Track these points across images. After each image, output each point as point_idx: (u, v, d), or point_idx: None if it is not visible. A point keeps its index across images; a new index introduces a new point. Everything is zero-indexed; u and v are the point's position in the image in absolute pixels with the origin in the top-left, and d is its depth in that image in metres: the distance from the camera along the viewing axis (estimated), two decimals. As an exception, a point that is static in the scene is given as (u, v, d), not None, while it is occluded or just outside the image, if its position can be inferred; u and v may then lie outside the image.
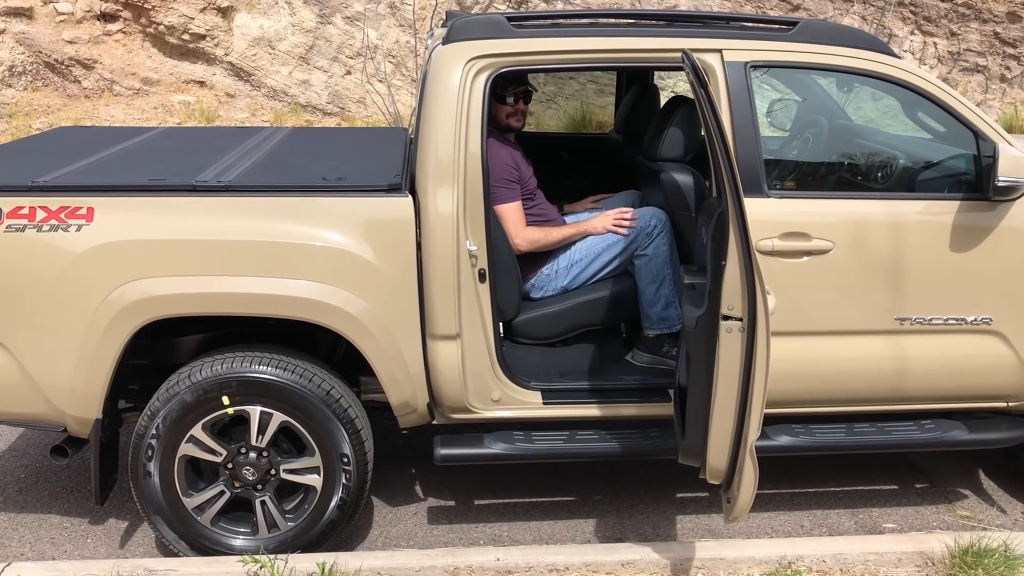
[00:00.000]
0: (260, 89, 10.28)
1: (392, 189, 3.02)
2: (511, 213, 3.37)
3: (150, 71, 10.20)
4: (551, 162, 4.39)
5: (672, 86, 9.05)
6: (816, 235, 3.11)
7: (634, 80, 4.51)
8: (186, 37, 10.08)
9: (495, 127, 3.48)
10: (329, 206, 2.98)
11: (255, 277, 2.91)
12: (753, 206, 2.77)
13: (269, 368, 3.00)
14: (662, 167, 3.43)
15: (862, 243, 3.14)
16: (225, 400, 3.00)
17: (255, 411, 3.03)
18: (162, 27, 10.02)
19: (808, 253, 3.11)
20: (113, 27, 10.21)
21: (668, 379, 3.33)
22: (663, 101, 4.16)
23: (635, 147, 4.17)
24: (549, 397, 3.24)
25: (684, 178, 3.36)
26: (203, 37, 10.11)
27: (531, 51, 3.09)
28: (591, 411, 3.25)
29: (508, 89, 3.46)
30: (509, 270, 3.31)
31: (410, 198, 3.00)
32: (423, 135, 3.07)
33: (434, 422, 3.27)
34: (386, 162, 3.42)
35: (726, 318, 2.55)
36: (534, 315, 3.44)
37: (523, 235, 3.39)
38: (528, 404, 3.22)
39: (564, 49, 3.12)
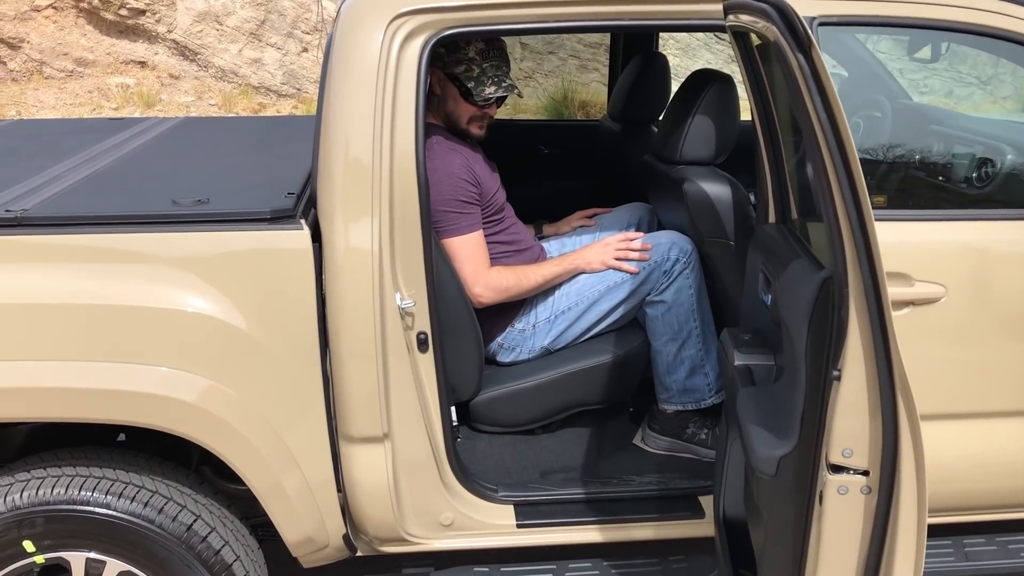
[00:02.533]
0: (207, 69, 9.15)
1: (279, 218, 1.96)
2: (467, 249, 2.31)
3: (85, 51, 9.07)
4: (524, 161, 3.33)
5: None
6: (920, 276, 2.06)
7: (635, 47, 3.44)
8: (124, 13, 8.94)
9: (444, 125, 2.42)
10: (176, 246, 1.92)
11: (48, 362, 1.86)
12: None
13: (98, 495, 1.96)
14: (683, 173, 2.38)
15: (986, 285, 2.10)
16: (29, 546, 1.96)
17: (78, 560, 1.99)
18: (97, 1, 8.87)
19: (910, 303, 2.07)
20: (42, 2, 9.06)
21: (698, 482, 2.30)
22: (674, 77, 3.10)
23: (639, 140, 3.10)
24: (526, 515, 2.21)
25: (718, 189, 2.32)
26: (143, 12, 8.97)
27: (489, 3, 2.02)
28: (588, 535, 2.22)
29: (485, 82, 2.37)
30: (465, 330, 2.27)
31: (307, 230, 1.95)
32: (327, 134, 2.01)
33: (359, 554, 2.24)
34: (285, 172, 2.35)
35: (838, 469, 1.50)
36: (502, 391, 2.40)
37: (486, 281, 2.33)
38: (495, 527, 2.19)
39: (539, 1, 2.05)
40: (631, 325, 2.51)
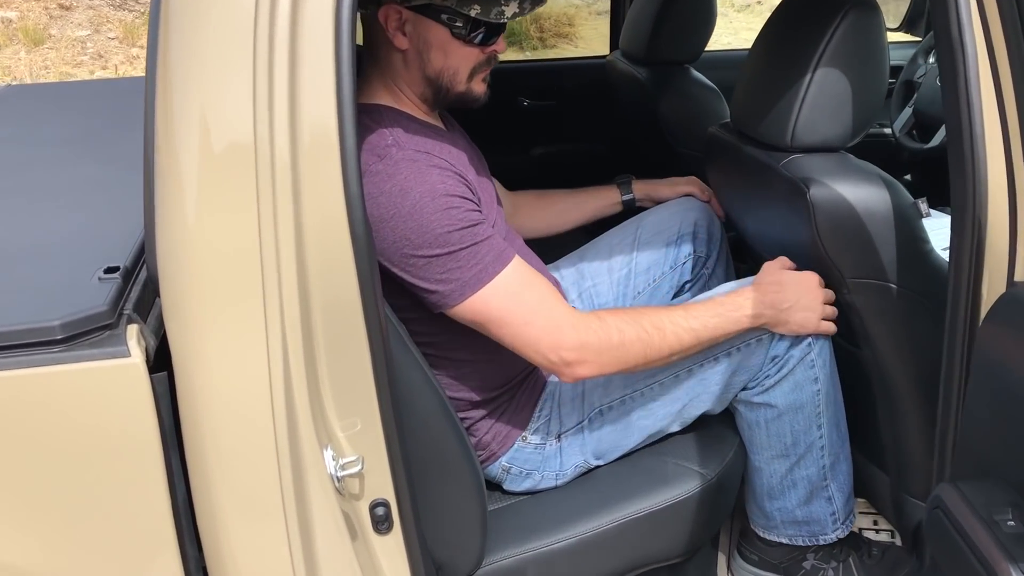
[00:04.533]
0: (104, -3, 7.82)
1: (77, 336, 0.98)
2: (515, 293, 1.28)
3: (-46, -20, 7.68)
4: (500, 121, 2.33)
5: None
6: None
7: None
8: (-2, -69, 7.54)
9: (419, 97, 1.40)
10: None
11: None
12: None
13: None
14: (799, 167, 1.42)
15: None
16: None
17: None
18: (-37, -82, 7.46)
19: None
20: (-103, -79, 7.62)
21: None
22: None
23: (670, 88, 2.13)
24: None
25: (870, 195, 1.36)
26: (21, -70, 7.57)
27: None
28: None
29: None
30: (454, 461, 1.31)
31: (138, 354, 0.98)
32: (164, 136, 1.02)
33: None
34: (117, 208, 1.34)
35: None
36: (520, 558, 1.42)
37: (585, 332, 1.28)
38: None
39: None
40: (719, 418, 1.57)
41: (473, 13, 1.29)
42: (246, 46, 0.99)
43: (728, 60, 2.86)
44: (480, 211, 1.29)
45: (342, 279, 1.07)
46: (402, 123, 1.32)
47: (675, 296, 1.71)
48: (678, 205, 1.81)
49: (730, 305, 1.37)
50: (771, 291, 1.39)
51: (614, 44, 2.81)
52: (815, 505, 1.53)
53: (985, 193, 1.17)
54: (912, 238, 1.37)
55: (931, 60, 2.45)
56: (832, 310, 1.41)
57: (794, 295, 1.38)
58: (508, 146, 2.69)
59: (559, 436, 1.47)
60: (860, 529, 1.75)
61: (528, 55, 7.82)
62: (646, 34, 2.26)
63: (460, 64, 1.35)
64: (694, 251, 1.73)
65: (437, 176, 1.24)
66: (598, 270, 1.74)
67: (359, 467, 1.10)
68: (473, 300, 1.25)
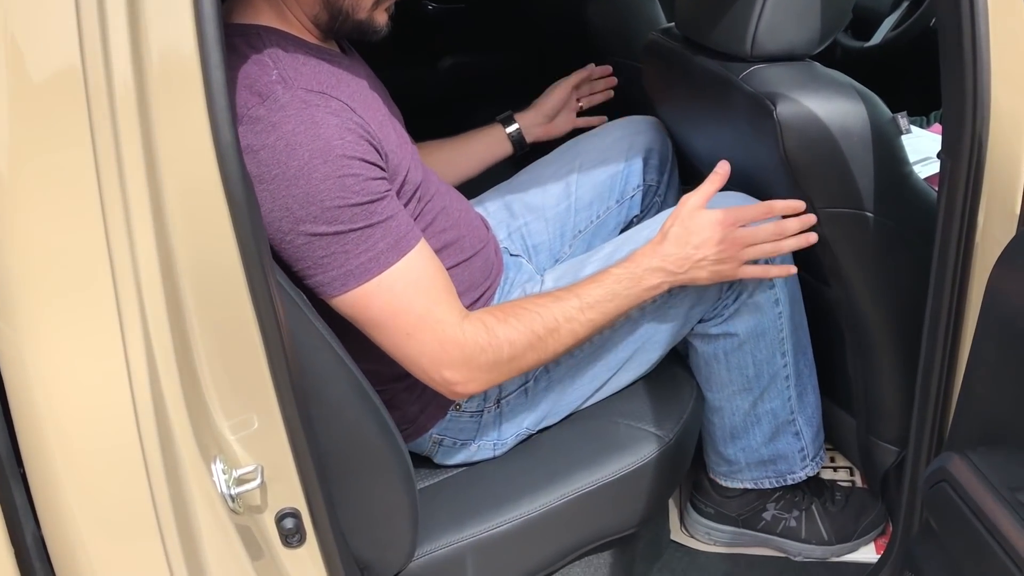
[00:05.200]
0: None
1: None
2: (401, 294, 1.05)
3: None
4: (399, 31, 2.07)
5: None
6: None
7: None
8: None
9: (310, 20, 1.12)
10: None
11: None
12: None
13: None
14: (762, 80, 1.22)
15: None
16: None
17: None
18: None
19: None
20: None
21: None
22: None
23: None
24: None
25: (845, 112, 1.17)
26: None
27: None
28: None
29: None
30: (376, 452, 1.10)
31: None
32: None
33: None
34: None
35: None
36: (458, 546, 1.23)
37: (472, 348, 1.08)
38: None
39: None
40: (670, 364, 1.39)
41: None
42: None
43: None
44: (384, 177, 1.05)
45: (217, 246, 0.84)
46: (290, 50, 1.06)
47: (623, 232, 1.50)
48: (624, 128, 1.57)
49: (627, 282, 1.17)
50: (676, 247, 1.18)
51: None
52: (781, 441, 1.38)
53: (988, 103, 1.00)
54: (892, 160, 1.20)
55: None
56: (767, 250, 1.22)
57: (704, 246, 1.18)
58: (411, 56, 2.41)
59: (499, 401, 1.27)
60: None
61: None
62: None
63: None
64: (644, 180, 1.52)
65: (334, 129, 0.99)
66: (531, 206, 1.52)
67: (257, 480, 0.89)
68: (354, 295, 1.03)
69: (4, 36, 0.75)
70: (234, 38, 1.03)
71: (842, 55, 2.20)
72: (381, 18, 1.13)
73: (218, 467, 0.87)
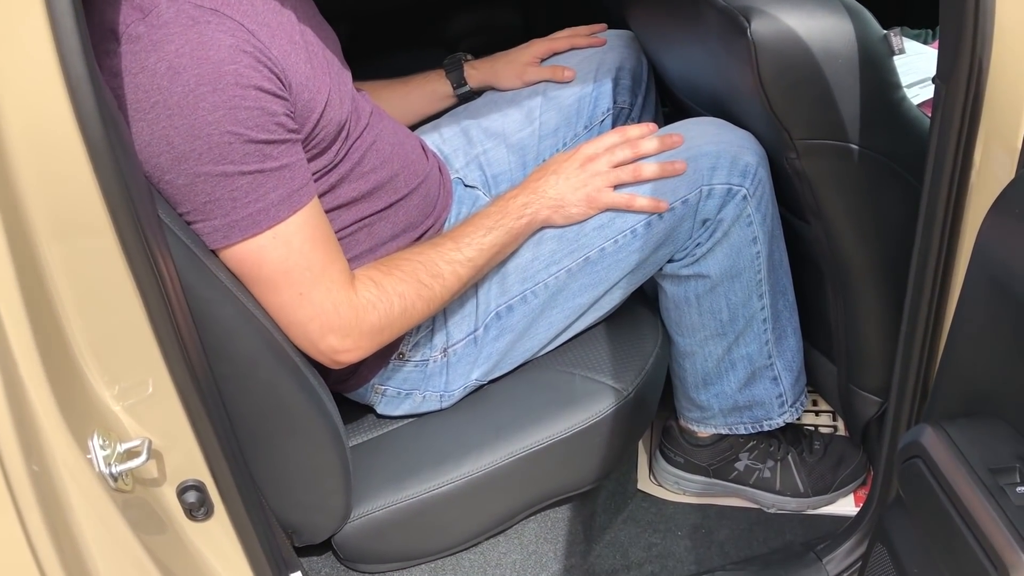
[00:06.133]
0: None
1: None
2: (284, 255, 0.94)
3: None
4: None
5: None
6: None
7: None
8: None
9: None
10: None
11: None
12: None
13: None
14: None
15: None
16: None
17: None
18: None
19: None
20: None
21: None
22: None
23: None
24: None
25: (825, 29, 1.03)
26: None
27: None
28: None
29: None
30: (303, 412, 1.01)
31: None
32: None
33: None
34: None
35: None
36: (397, 507, 1.14)
37: (348, 315, 0.99)
38: None
39: None
40: (634, 305, 1.28)
41: None
42: None
43: None
44: (288, 113, 0.92)
45: (75, 190, 0.72)
46: None
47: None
48: (593, 50, 1.43)
49: (496, 215, 1.12)
50: (535, 183, 1.14)
51: None
52: (758, 387, 1.28)
53: (992, 16, 0.86)
54: (882, 84, 1.06)
55: None
56: (632, 176, 1.13)
57: (555, 184, 1.13)
58: None
59: (445, 351, 1.17)
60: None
61: None
62: None
63: None
64: (615, 102, 1.38)
65: (227, 51, 0.86)
66: (491, 132, 1.38)
67: (144, 456, 0.80)
68: (240, 248, 0.92)
69: None
70: None
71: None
72: None
73: (95, 443, 0.78)
